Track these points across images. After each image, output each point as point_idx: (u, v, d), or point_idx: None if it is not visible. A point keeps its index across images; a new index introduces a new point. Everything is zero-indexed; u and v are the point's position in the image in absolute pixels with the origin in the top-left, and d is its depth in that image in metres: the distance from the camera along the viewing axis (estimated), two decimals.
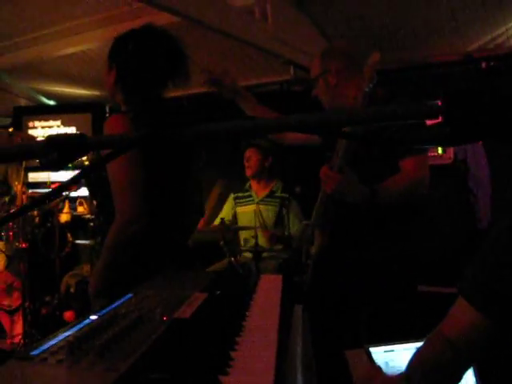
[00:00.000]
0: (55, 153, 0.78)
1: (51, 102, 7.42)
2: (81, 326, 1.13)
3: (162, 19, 4.89)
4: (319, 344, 1.48)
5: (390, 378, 1.56)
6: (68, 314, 5.48)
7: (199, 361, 0.93)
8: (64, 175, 6.17)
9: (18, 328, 5.13)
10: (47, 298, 5.63)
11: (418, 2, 4.42)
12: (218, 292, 1.47)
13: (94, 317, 1.19)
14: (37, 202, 4.88)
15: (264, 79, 5.82)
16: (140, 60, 2.16)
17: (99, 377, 0.84)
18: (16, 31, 5.87)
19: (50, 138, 0.81)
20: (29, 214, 4.71)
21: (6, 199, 4.90)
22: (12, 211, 4.76)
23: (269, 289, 1.60)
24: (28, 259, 5.26)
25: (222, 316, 1.30)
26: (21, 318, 5.14)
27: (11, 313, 5.18)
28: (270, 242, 4.82)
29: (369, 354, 1.84)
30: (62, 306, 5.50)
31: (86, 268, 5.88)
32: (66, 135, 0.82)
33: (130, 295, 1.40)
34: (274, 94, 5.87)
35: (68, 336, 1.04)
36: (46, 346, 0.98)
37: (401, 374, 1.44)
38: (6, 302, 5.16)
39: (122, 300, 1.34)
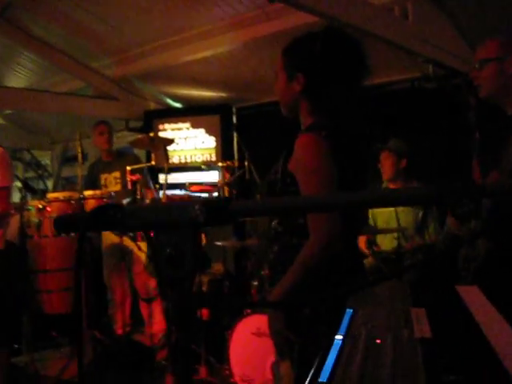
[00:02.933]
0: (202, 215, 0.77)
1: (178, 105, 7.64)
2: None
3: (296, 20, 4.96)
4: None
5: None
6: (204, 312, 5.60)
7: None
8: (202, 176, 6.34)
9: (157, 316, 5.35)
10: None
11: None
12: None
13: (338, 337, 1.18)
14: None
15: (394, 77, 5.72)
16: (330, 61, 2.10)
17: None
18: (146, 39, 6.12)
19: (200, 202, 0.79)
20: None
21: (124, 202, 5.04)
22: None
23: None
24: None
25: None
26: (158, 306, 5.40)
27: (149, 301, 5.35)
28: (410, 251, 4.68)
29: None
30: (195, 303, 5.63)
31: (218, 267, 6.00)
32: (215, 200, 0.81)
33: (350, 311, 1.38)
34: (405, 92, 5.78)
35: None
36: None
37: None
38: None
39: (349, 317, 1.33)
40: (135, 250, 5.22)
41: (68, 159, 9.64)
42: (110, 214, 0.77)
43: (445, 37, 4.70)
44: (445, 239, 4.43)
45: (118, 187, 5.47)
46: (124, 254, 5.19)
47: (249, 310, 4.30)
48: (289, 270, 2.02)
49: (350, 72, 2.10)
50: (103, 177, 5.58)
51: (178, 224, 0.76)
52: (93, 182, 5.63)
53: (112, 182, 5.52)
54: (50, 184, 9.67)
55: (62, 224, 0.84)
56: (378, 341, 1.15)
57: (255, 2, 5.02)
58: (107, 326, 5.45)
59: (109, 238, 5.49)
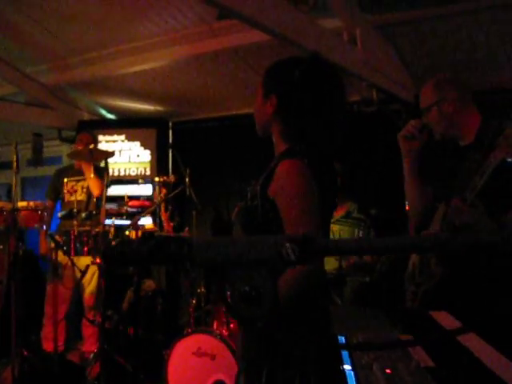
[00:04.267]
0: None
1: (112, 116, 7.48)
2: None
3: (243, 38, 4.96)
4: None
5: None
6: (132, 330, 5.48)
7: None
8: (135, 189, 6.22)
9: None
10: (109, 313, 5.63)
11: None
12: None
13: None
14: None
15: None
16: (307, 90, 2.09)
17: None
18: (85, 48, 5.96)
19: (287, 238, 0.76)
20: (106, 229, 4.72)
21: (83, 215, 4.92)
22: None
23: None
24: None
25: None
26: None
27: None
28: (351, 269, 4.73)
29: None
30: (126, 321, 5.52)
31: (149, 283, 5.90)
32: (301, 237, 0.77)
33: (342, 338, 1.36)
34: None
35: None
36: None
37: None
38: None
39: (344, 345, 1.31)
40: (68, 264, 5.06)
41: None
42: (173, 248, 0.70)
43: (389, 64, 4.84)
44: (387, 259, 4.52)
45: (82, 196, 5.37)
46: (56, 267, 5.00)
47: (189, 330, 4.23)
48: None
49: (324, 101, 2.10)
50: (70, 184, 5.44)
51: (264, 262, 0.70)
52: (56, 191, 5.52)
53: (78, 190, 5.38)
54: None
55: (115, 256, 0.76)
56: (388, 371, 1.13)
57: (202, 17, 4.96)
58: (38, 344, 5.24)
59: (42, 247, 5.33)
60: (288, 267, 0.69)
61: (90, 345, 5.31)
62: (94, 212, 4.91)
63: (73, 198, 5.22)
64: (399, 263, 4.22)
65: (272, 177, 2.05)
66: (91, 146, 4.75)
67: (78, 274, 4.96)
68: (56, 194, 5.52)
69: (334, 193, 2.23)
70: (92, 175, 5.10)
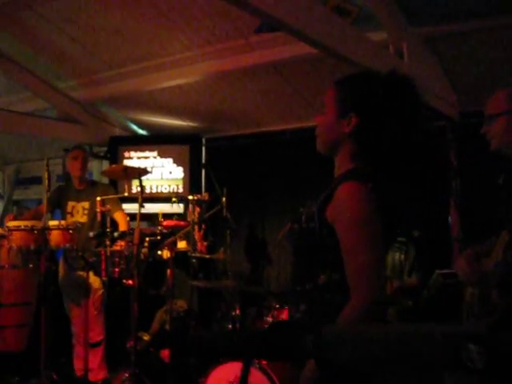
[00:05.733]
0: None
1: (144, 132, 7.36)
2: None
3: (281, 53, 4.80)
4: None
5: None
6: (166, 353, 5.29)
7: None
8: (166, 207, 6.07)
9: (96, 361, 5.09)
10: (140, 334, 5.46)
11: None
12: None
13: None
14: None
15: None
16: (392, 111, 1.90)
17: None
18: (118, 63, 5.85)
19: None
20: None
21: (90, 235, 4.77)
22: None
23: None
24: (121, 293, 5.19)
25: None
26: (100, 352, 5.15)
27: (92, 346, 5.02)
28: (394, 294, 4.53)
29: None
30: (157, 343, 5.34)
31: (180, 303, 5.71)
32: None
33: None
34: None
35: None
36: None
37: None
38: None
39: None
40: (95, 284, 4.91)
41: (20, 181, 9.20)
42: (293, 339, 0.51)
43: (435, 79, 4.69)
44: (435, 284, 4.29)
45: (84, 218, 5.12)
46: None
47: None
48: None
49: (406, 122, 1.91)
50: (70, 205, 5.23)
51: (429, 365, 0.51)
52: (53, 206, 5.28)
53: (79, 211, 5.17)
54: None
55: (215, 346, 0.57)
56: None
57: (239, 31, 4.81)
58: (67, 366, 5.09)
59: (65, 269, 5.18)
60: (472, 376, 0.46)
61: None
62: (128, 231, 4.76)
63: (73, 219, 5.06)
64: (449, 290, 4.00)
65: (331, 199, 1.88)
66: (124, 164, 4.60)
67: None
68: (54, 204, 5.30)
69: (398, 220, 2.05)
70: (119, 212, 5.08)
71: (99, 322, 5.11)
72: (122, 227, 5.03)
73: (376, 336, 0.54)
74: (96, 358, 5.06)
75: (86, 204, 5.14)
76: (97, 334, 5.08)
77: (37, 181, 8.22)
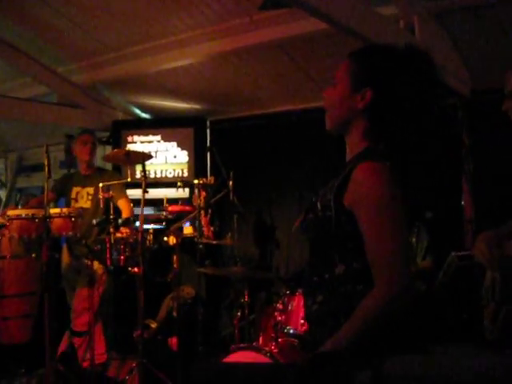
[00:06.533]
0: None
1: (147, 116, 7.22)
2: None
3: (287, 30, 4.66)
4: None
5: None
6: (174, 341, 5.20)
7: None
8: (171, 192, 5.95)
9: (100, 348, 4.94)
10: (147, 321, 5.37)
11: None
12: None
13: None
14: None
15: None
16: (409, 86, 1.77)
17: None
18: (119, 44, 5.72)
19: None
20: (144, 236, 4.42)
21: (94, 222, 4.65)
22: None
23: None
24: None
25: None
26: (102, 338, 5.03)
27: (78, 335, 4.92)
28: None
29: None
30: (165, 331, 5.26)
31: (188, 289, 5.61)
32: None
33: None
34: None
35: None
36: None
37: None
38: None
39: None
40: (99, 272, 4.80)
41: (23, 169, 9.10)
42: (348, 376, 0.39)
43: (446, 56, 4.55)
44: (451, 266, 4.16)
45: (88, 204, 5.00)
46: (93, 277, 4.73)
47: (234, 346, 3.92)
48: (346, 323, 1.67)
49: (423, 99, 1.78)
50: (75, 190, 5.11)
51: None
52: (58, 194, 5.20)
53: (84, 197, 5.05)
54: (2, 195, 9.10)
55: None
56: None
57: (243, 8, 4.66)
58: (73, 356, 4.98)
59: (68, 257, 5.06)
60: None
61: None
62: (132, 218, 4.64)
63: (78, 205, 4.95)
64: (465, 272, 3.88)
65: (347, 183, 1.74)
66: (127, 149, 4.47)
67: None
68: (60, 192, 5.20)
69: (417, 201, 1.92)
70: (123, 200, 4.95)
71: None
72: (125, 214, 4.90)
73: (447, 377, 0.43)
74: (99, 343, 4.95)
75: (91, 190, 5.02)
76: (81, 324, 4.94)
77: (40, 168, 8.06)
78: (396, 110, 1.78)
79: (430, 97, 1.81)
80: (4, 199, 8.84)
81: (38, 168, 8.27)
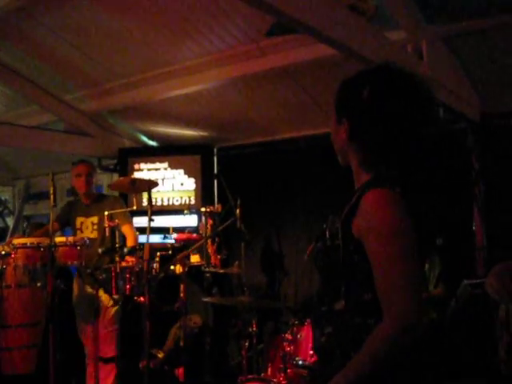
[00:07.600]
0: None
1: (154, 143, 7.21)
2: None
3: (293, 56, 4.64)
4: None
5: None
6: (180, 371, 5.11)
7: None
8: (183, 220, 5.91)
9: (109, 381, 4.87)
10: (153, 351, 5.29)
11: None
12: None
13: None
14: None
15: None
16: (379, 109, 1.72)
17: None
18: (126, 72, 5.72)
19: None
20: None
21: (100, 251, 4.59)
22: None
23: None
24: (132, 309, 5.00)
25: None
26: (113, 371, 4.92)
27: (105, 361, 4.84)
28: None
29: None
30: (172, 360, 5.17)
31: (195, 319, 5.55)
32: None
33: None
34: None
35: None
36: None
37: None
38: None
39: None
40: (106, 302, 4.72)
41: (30, 197, 9.09)
42: None
43: (455, 80, 4.51)
44: (462, 295, 4.09)
45: (94, 234, 4.94)
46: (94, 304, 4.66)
47: (243, 378, 3.84)
48: (353, 358, 1.59)
49: (403, 118, 1.72)
50: (79, 220, 5.06)
51: None
52: (63, 223, 5.14)
53: (89, 227, 4.99)
54: (10, 222, 9.08)
55: None
56: None
57: (249, 35, 4.64)
58: None
59: (79, 287, 4.99)
60: None
61: None
62: (137, 247, 4.58)
63: (83, 236, 4.87)
64: (478, 301, 3.80)
65: (356, 211, 1.68)
66: (132, 176, 4.43)
67: None
68: (64, 222, 5.15)
69: (431, 226, 1.84)
70: (127, 226, 4.90)
71: (112, 338, 4.91)
72: (130, 242, 4.86)
73: None
74: (109, 378, 4.87)
75: (95, 219, 4.97)
76: (110, 350, 4.88)
77: (46, 196, 8.06)
78: (373, 134, 1.73)
79: (412, 120, 1.74)
80: (11, 227, 8.81)
81: (44, 195, 8.24)
